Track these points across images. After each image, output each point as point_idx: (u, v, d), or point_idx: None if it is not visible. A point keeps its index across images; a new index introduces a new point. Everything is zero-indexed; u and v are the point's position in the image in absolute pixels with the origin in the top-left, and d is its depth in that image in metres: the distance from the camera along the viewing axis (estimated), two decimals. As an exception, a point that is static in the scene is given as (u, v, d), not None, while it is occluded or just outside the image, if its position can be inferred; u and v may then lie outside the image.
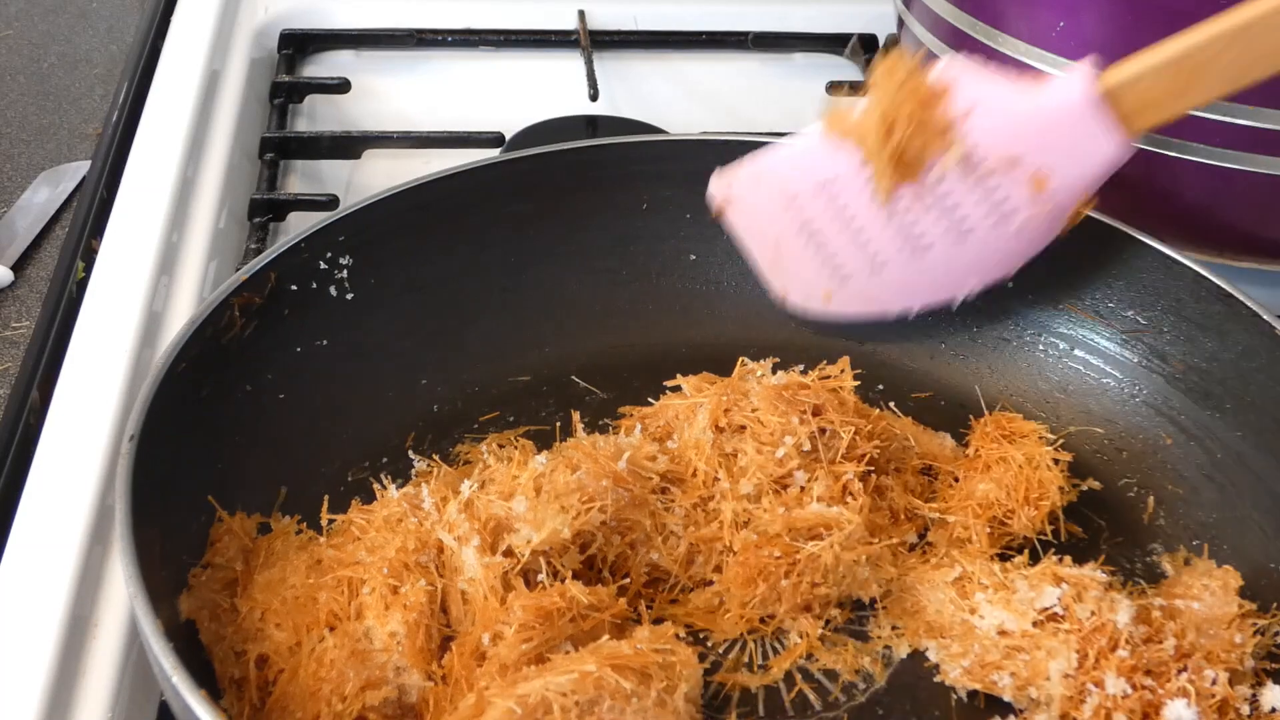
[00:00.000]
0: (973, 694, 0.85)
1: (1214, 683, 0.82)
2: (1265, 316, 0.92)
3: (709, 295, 1.08)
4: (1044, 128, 0.87)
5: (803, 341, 1.06)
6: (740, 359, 0.98)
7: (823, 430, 0.91)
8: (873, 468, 0.93)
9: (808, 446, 0.90)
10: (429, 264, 1.02)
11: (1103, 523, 0.95)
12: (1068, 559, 0.89)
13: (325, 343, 0.97)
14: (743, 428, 0.92)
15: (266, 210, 1.21)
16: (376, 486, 0.91)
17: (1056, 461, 0.95)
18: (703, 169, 1.04)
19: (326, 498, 0.88)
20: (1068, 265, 1.01)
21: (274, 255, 0.94)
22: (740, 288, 1.08)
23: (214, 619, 0.82)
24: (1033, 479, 0.93)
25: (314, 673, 0.78)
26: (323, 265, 0.97)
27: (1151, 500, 0.96)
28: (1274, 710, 0.82)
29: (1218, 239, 1.10)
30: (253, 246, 1.16)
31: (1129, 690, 0.81)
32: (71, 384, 0.97)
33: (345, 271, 0.98)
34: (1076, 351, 1.02)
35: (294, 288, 0.95)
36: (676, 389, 0.97)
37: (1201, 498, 0.95)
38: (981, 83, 0.88)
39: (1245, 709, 0.82)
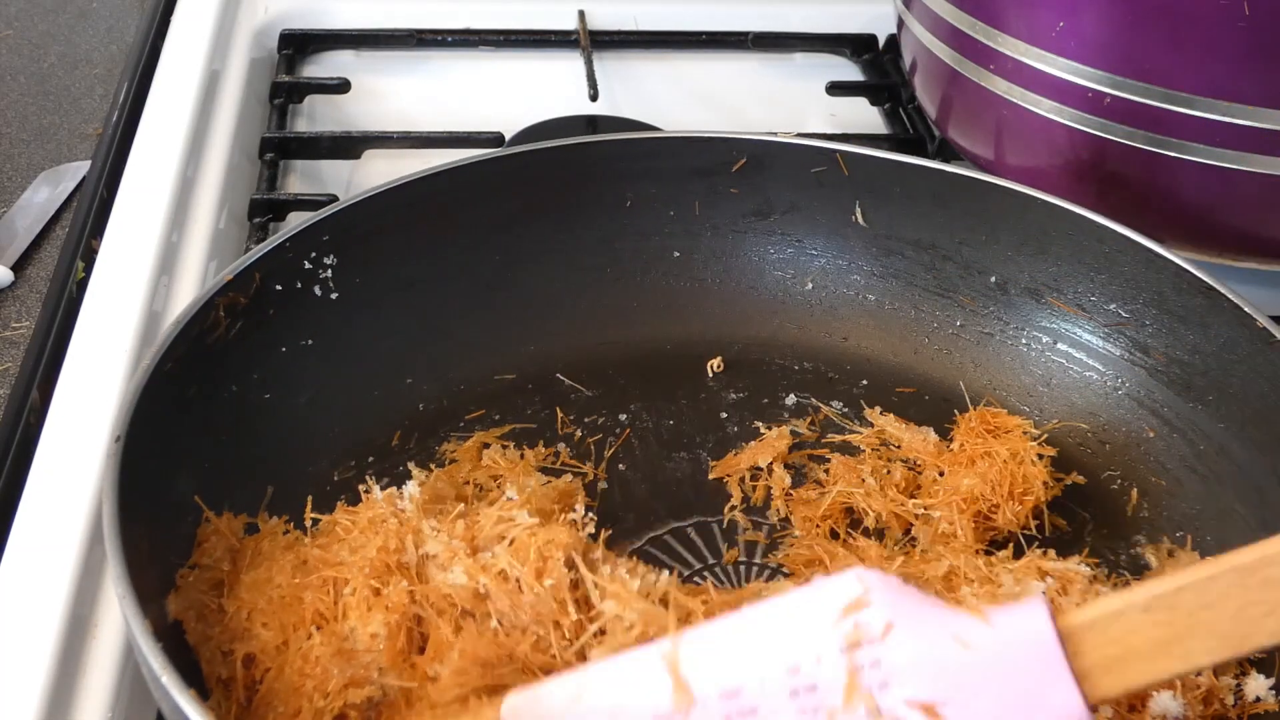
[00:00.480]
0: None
1: (1199, 673, 0.82)
2: (1247, 309, 0.92)
3: (693, 292, 1.09)
4: (979, 671, 0.63)
5: (786, 339, 1.07)
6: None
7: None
8: None
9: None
10: (414, 262, 1.02)
11: (1086, 515, 0.95)
12: (1051, 552, 0.90)
13: (310, 342, 0.97)
14: None
15: (266, 210, 1.22)
16: (361, 488, 0.91)
17: (1041, 456, 0.96)
18: (686, 166, 1.05)
19: (310, 498, 0.89)
20: (1050, 259, 1.02)
21: (258, 255, 0.94)
22: (724, 285, 1.09)
23: (200, 619, 0.82)
24: (1017, 474, 0.94)
25: (299, 669, 0.78)
26: (307, 264, 0.97)
27: (1135, 492, 0.96)
28: (1258, 700, 0.83)
29: (1218, 239, 1.10)
30: (252, 247, 1.16)
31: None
32: (71, 384, 0.97)
33: (330, 271, 0.98)
34: (1059, 345, 1.03)
35: (279, 287, 0.95)
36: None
37: (1184, 489, 0.95)
38: (902, 600, 0.66)
39: (1230, 699, 0.83)
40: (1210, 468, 0.94)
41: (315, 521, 0.88)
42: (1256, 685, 0.83)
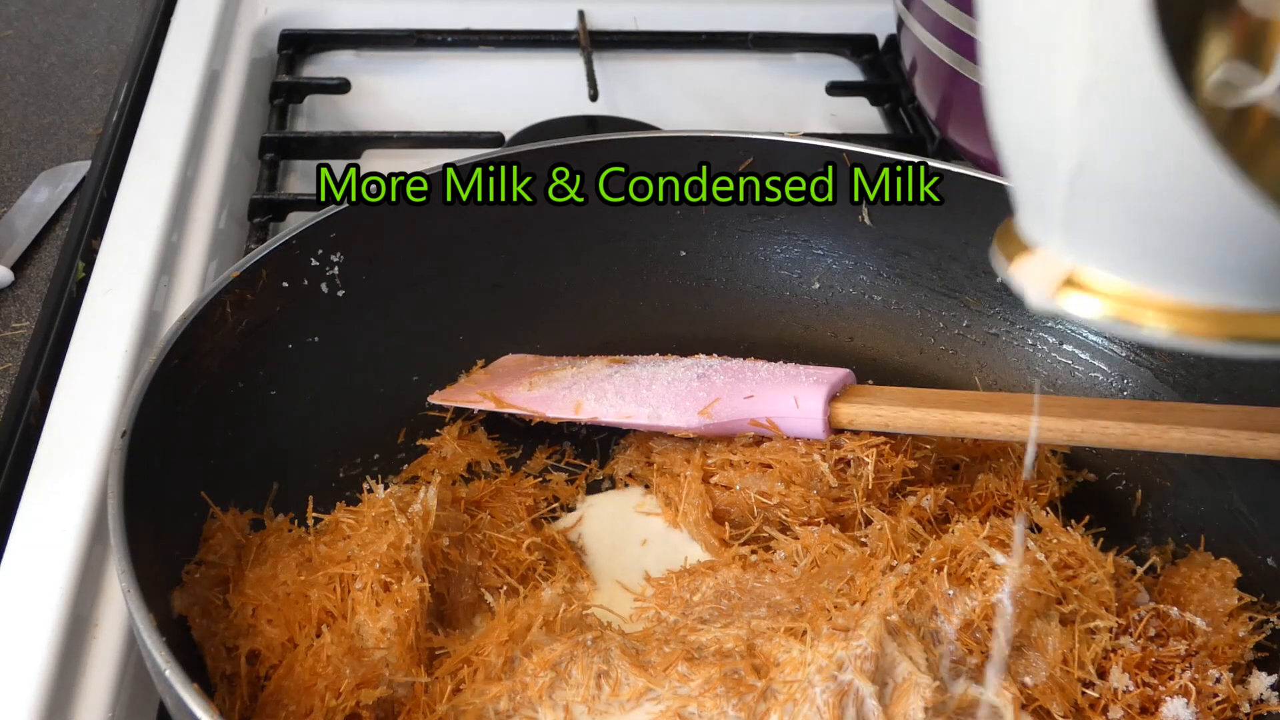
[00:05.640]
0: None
1: (1218, 681, 0.82)
2: (1253, 310, 0.92)
3: (700, 291, 1.09)
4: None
5: (792, 338, 1.08)
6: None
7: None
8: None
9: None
10: (419, 261, 1.02)
11: (1091, 515, 0.95)
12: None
13: (317, 339, 0.98)
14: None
15: (266, 210, 1.22)
16: (365, 486, 0.90)
17: (1054, 452, 0.96)
18: (692, 165, 1.05)
19: (311, 497, 0.89)
20: (1056, 260, 1.02)
21: (265, 252, 0.94)
22: (730, 283, 1.09)
23: (205, 615, 0.82)
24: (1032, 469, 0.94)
25: (310, 668, 0.78)
26: (314, 262, 0.97)
27: (1140, 493, 0.97)
28: (1261, 700, 0.83)
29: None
30: (252, 247, 1.15)
31: (1131, 686, 0.81)
32: (71, 384, 0.97)
33: (336, 269, 0.98)
34: (1065, 346, 1.03)
35: (285, 284, 0.96)
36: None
37: (1189, 490, 0.95)
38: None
39: (1246, 706, 0.82)
40: (1214, 469, 0.94)
41: (318, 520, 0.88)
42: (1259, 684, 0.83)
